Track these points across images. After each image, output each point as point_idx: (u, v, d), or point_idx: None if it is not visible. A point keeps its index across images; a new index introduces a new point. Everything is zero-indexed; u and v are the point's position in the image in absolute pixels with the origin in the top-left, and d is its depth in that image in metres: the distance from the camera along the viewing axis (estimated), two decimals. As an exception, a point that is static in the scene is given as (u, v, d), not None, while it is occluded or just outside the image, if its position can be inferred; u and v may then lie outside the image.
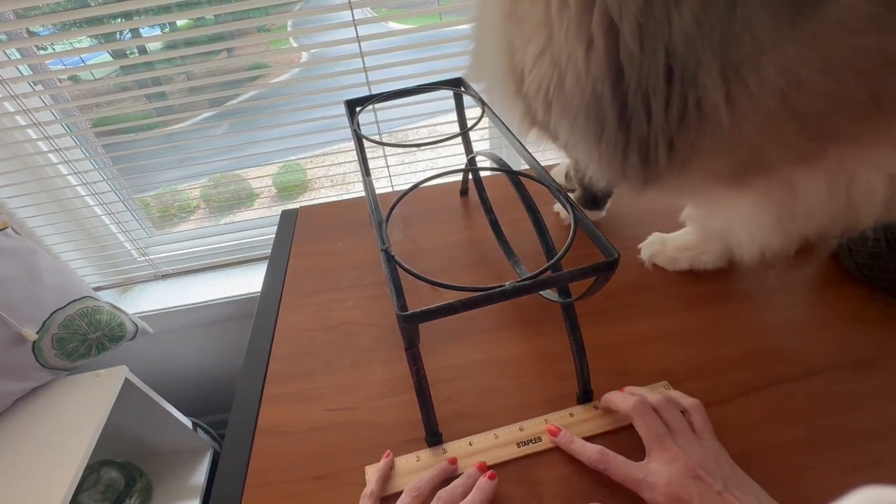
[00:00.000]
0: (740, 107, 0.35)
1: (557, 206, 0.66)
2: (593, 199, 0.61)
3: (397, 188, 0.98)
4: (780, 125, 0.35)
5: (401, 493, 0.37)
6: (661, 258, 0.56)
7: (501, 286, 0.32)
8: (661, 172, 0.40)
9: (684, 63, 0.35)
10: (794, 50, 0.32)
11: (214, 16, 0.81)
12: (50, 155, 0.87)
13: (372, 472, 0.40)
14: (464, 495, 0.36)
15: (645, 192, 0.44)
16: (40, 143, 0.85)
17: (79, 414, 0.73)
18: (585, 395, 0.44)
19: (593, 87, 0.38)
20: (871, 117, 0.34)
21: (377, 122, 0.87)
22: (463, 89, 0.58)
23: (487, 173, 0.70)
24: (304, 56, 1.06)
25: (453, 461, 0.40)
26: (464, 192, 0.74)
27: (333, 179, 1.18)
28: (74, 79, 0.91)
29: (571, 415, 0.42)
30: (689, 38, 0.34)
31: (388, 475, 0.39)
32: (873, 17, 0.30)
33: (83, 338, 0.79)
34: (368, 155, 0.97)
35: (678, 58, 0.34)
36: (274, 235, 0.72)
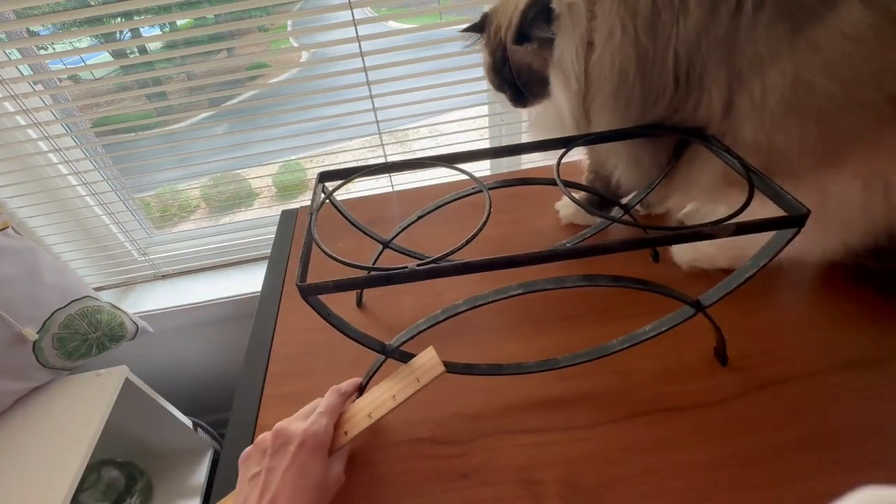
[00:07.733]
0: (740, 112, 0.36)
1: (558, 205, 0.66)
2: (599, 203, 0.60)
3: (398, 188, 0.98)
4: (792, 128, 0.36)
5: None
6: (702, 260, 0.53)
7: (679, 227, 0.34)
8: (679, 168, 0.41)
9: (691, 65, 0.37)
10: (800, 58, 0.33)
11: (214, 15, 0.81)
12: (50, 155, 0.87)
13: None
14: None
15: (670, 195, 0.45)
16: (40, 143, 0.85)
17: (79, 414, 0.73)
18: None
19: (622, 66, 0.39)
20: (892, 120, 0.34)
21: (377, 121, 0.87)
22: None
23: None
24: (304, 56, 1.06)
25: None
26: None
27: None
28: (74, 78, 0.91)
29: None
30: (694, 45, 0.36)
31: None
32: (876, 29, 0.31)
33: (84, 337, 0.79)
34: (369, 155, 0.96)
35: (684, 60, 0.37)
36: (274, 235, 0.72)
